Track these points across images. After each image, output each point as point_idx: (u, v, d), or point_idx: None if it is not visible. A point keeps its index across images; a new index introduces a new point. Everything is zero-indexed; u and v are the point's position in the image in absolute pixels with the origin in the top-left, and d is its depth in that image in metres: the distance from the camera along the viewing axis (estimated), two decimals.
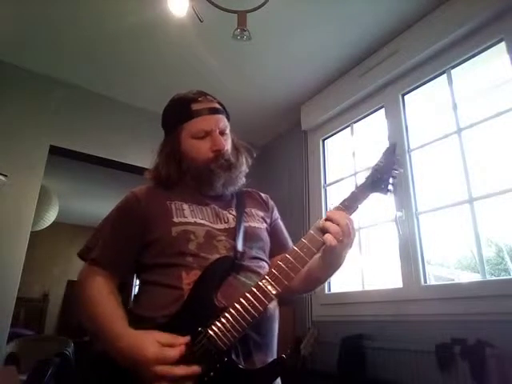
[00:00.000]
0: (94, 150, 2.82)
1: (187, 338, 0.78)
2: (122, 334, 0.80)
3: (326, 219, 0.86)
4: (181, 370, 0.74)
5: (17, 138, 2.55)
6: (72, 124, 2.79)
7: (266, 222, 1.09)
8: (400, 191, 2.18)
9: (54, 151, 2.69)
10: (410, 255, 2.09)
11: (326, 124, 2.91)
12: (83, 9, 2.16)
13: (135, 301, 0.94)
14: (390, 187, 0.95)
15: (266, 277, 0.82)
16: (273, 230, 1.11)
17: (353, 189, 0.94)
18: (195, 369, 0.75)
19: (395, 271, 2.17)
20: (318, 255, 0.88)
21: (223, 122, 1.05)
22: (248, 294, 0.80)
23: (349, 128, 2.77)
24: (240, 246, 0.93)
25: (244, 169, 1.08)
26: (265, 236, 1.05)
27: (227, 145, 1.04)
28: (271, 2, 1.71)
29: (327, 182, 2.87)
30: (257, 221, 1.05)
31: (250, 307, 0.79)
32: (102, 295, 0.89)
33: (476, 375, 1.55)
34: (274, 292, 0.80)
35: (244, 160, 1.08)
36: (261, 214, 1.09)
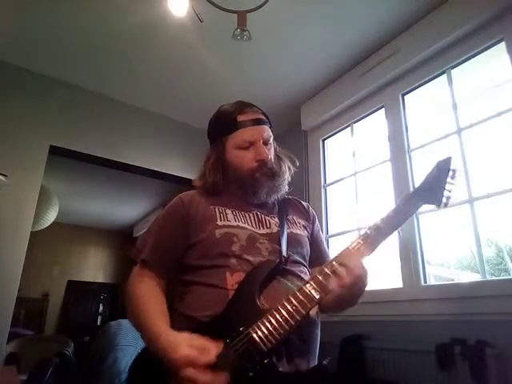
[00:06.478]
0: (94, 150, 2.82)
1: (219, 344, 0.77)
2: (160, 333, 0.83)
3: (340, 263, 0.83)
4: (206, 377, 0.74)
5: (17, 138, 2.55)
6: (72, 124, 2.79)
7: (307, 230, 1.12)
8: (399, 191, 2.18)
9: (54, 151, 2.69)
10: (409, 255, 2.09)
11: (326, 124, 2.91)
12: (83, 9, 2.16)
13: (180, 301, 0.97)
14: (443, 200, 0.94)
15: (311, 281, 0.82)
16: (313, 241, 1.12)
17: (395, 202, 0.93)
18: (222, 379, 0.74)
19: (395, 271, 2.17)
20: None
21: (267, 132, 1.08)
22: (292, 298, 0.80)
23: (349, 128, 2.77)
24: (284, 251, 0.96)
25: (287, 177, 1.11)
26: (305, 243, 1.07)
27: (270, 154, 1.07)
28: (271, 1, 1.71)
29: (327, 182, 2.87)
30: (298, 228, 1.09)
31: (293, 311, 0.79)
32: (148, 295, 0.93)
33: (476, 375, 1.55)
34: (317, 297, 0.80)
35: (286, 168, 1.12)
36: (302, 222, 1.12)
